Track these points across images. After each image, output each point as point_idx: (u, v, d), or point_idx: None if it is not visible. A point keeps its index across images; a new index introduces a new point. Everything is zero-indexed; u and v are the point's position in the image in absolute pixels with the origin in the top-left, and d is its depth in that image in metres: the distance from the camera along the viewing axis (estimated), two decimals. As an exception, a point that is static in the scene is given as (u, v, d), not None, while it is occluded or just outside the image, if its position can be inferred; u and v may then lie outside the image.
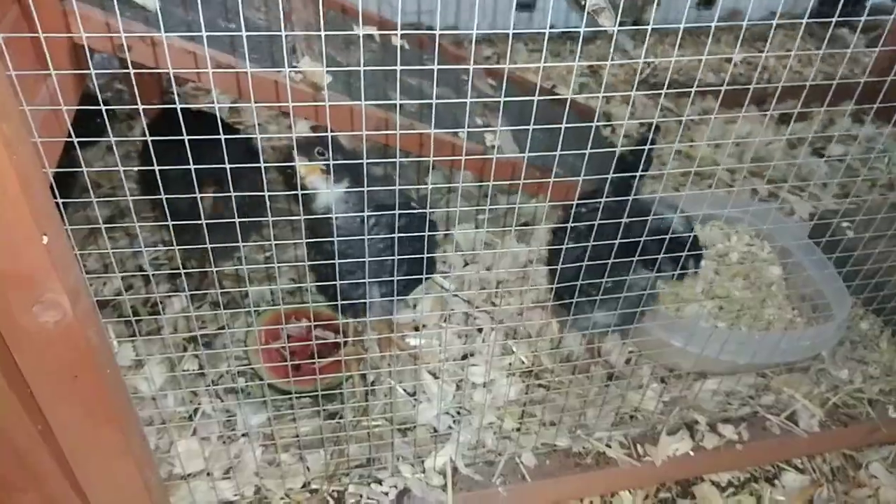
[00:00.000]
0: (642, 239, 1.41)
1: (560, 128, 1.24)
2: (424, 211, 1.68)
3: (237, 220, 1.10)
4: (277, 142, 2.55)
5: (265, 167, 1.17)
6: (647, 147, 1.63)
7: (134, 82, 0.91)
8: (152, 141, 1.00)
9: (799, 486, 1.75)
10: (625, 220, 1.31)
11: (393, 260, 1.41)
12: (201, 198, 1.42)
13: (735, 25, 3.56)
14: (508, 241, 2.25)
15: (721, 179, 2.68)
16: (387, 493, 1.55)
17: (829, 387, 1.88)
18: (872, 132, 3.02)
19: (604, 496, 1.68)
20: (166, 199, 1.05)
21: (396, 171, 1.83)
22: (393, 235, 1.37)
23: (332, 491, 1.55)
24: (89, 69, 1.19)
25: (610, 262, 1.37)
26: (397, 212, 1.28)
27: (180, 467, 1.53)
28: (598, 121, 2.86)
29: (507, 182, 2.19)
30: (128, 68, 1.51)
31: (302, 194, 1.50)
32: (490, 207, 2.35)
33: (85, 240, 2.05)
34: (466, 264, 2.18)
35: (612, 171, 1.61)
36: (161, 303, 1.94)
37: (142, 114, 0.98)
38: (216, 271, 1.25)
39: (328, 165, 1.46)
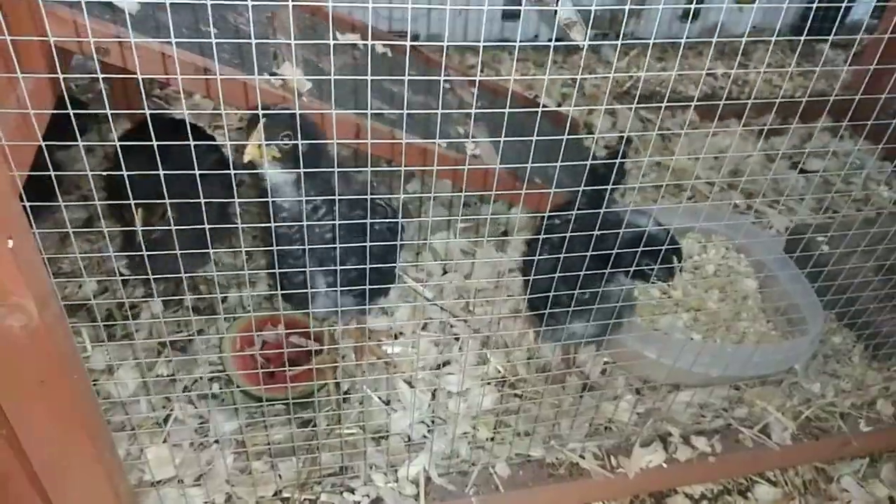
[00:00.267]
0: (615, 251, 1.41)
1: (539, 138, 1.24)
2: (378, 198, 1.63)
3: (207, 226, 1.09)
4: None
5: (235, 174, 1.16)
6: (618, 161, 1.64)
7: (102, 88, 0.90)
8: (123, 152, 1.00)
9: (771, 498, 1.76)
10: (596, 232, 1.32)
11: (342, 251, 1.39)
12: (167, 208, 1.39)
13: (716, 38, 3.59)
14: (486, 250, 2.26)
15: (699, 191, 2.70)
16: (359, 502, 1.55)
17: (801, 400, 1.90)
18: (850, 147, 3.06)
19: (577, 507, 1.69)
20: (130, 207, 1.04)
21: (368, 175, 1.82)
22: (343, 223, 1.34)
23: (304, 499, 1.54)
24: (66, 70, 1.18)
25: (582, 273, 1.38)
26: (338, 198, 1.24)
27: (150, 474, 1.52)
28: (579, 131, 2.87)
29: (483, 192, 2.19)
30: (105, 69, 1.50)
31: (256, 174, 1.42)
32: (467, 218, 2.35)
33: (63, 242, 2.03)
34: (445, 272, 2.18)
35: (584, 183, 1.62)
36: (136, 307, 1.92)
37: (110, 119, 0.97)
38: (187, 277, 1.24)
39: (294, 150, 1.35)
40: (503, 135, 1.09)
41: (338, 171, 1.32)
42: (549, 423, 1.73)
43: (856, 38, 3.47)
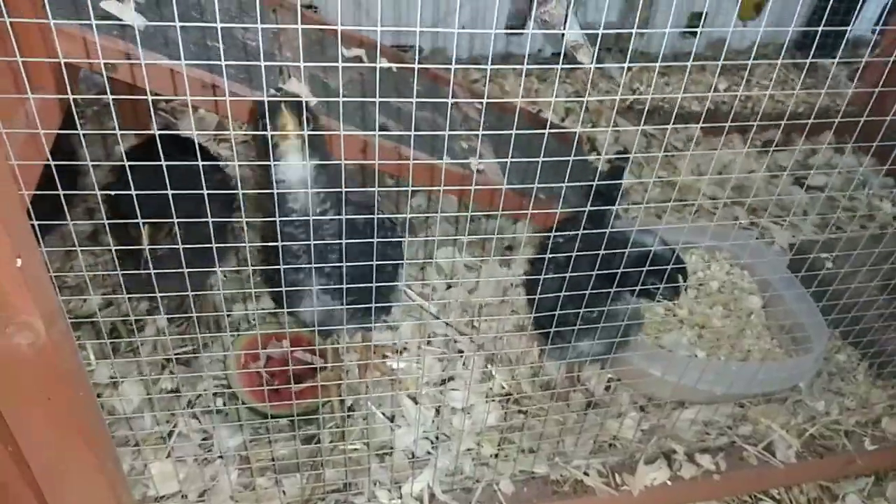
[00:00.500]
0: (620, 270, 1.41)
1: (541, 154, 1.24)
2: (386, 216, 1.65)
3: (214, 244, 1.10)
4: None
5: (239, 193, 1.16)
6: (619, 181, 1.64)
7: (111, 104, 0.91)
8: (127, 169, 1.01)
9: (775, 516, 1.75)
10: (601, 252, 1.32)
11: (339, 256, 1.39)
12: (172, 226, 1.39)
13: (719, 54, 3.60)
14: (490, 266, 2.26)
15: (703, 207, 2.71)
16: (363, 519, 1.55)
17: (806, 418, 1.89)
18: (853, 163, 3.06)
19: (581, 525, 1.68)
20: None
21: (376, 195, 1.83)
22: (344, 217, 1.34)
23: (308, 516, 1.54)
24: (74, 85, 1.19)
25: (587, 292, 1.38)
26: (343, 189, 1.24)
27: (154, 489, 1.52)
28: (582, 147, 2.88)
29: (489, 209, 2.19)
30: (112, 82, 1.50)
31: (266, 157, 1.39)
32: (471, 236, 2.35)
33: (68, 255, 2.03)
34: (449, 287, 2.18)
35: (587, 202, 1.62)
36: (141, 321, 1.92)
37: (119, 139, 0.98)
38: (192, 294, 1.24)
39: (308, 137, 1.36)
40: (506, 149, 1.09)
41: (346, 179, 1.33)
42: (554, 439, 1.73)
43: (860, 59, 3.49)
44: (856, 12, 3.49)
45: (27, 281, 0.91)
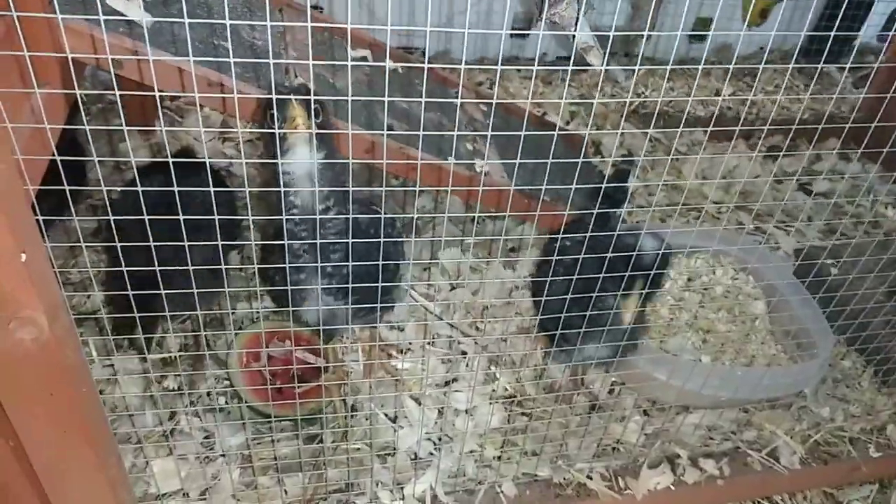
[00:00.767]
0: (626, 274, 1.41)
1: (549, 157, 1.24)
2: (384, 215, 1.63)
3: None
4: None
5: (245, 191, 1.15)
6: (623, 184, 1.64)
7: (118, 102, 0.91)
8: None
9: (779, 523, 1.74)
10: (609, 255, 1.32)
11: (340, 257, 1.38)
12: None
13: (725, 59, 3.60)
14: (495, 267, 2.25)
15: (707, 212, 2.70)
16: (364, 520, 1.54)
17: (810, 424, 1.88)
18: (858, 170, 3.05)
19: (583, 529, 1.67)
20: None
21: (384, 195, 1.82)
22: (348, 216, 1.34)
23: (309, 516, 1.53)
24: (79, 84, 1.18)
25: (594, 294, 1.37)
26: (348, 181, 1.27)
27: (155, 487, 1.51)
28: (586, 150, 2.88)
29: (495, 211, 2.19)
30: (118, 79, 1.50)
31: (273, 150, 1.40)
32: (477, 237, 2.34)
33: (71, 251, 2.03)
34: (452, 288, 2.17)
35: (590, 201, 1.62)
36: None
37: (126, 134, 0.97)
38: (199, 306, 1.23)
39: (316, 126, 1.37)
40: (511, 151, 1.09)
41: (352, 176, 1.33)
42: (557, 442, 1.72)
43: (857, 65, 3.49)
44: (864, 20, 3.50)
45: (31, 276, 0.90)
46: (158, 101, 1.03)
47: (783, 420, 1.87)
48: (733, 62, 1.18)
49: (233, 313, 1.94)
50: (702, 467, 1.72)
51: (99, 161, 2.31)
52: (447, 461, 1.66)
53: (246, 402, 1.68)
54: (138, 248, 1.08)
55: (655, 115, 3.20)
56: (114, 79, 0.98)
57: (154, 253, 1.04)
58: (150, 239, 1.05)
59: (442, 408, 1.80)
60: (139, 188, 0.99)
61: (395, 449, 1.68)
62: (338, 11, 3.24)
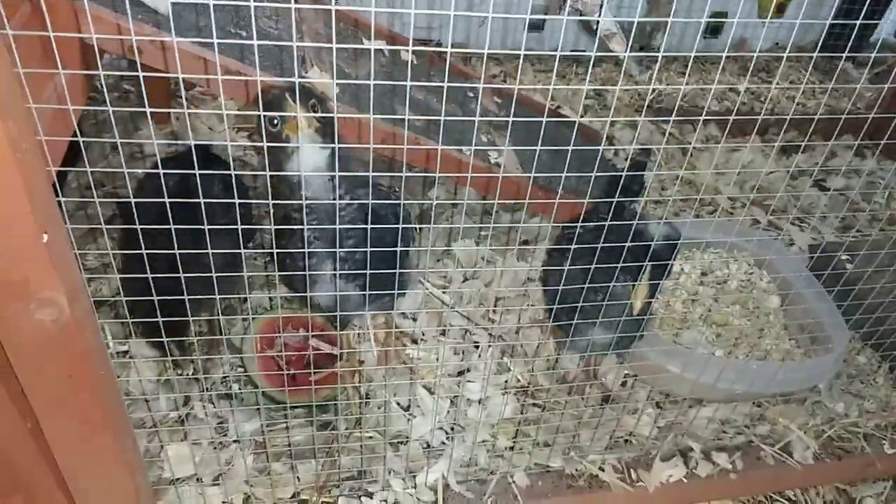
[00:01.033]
0: (633, 263, 1.40)
1: (565, 149, 1.23)
2: (399, 202, 1.62)
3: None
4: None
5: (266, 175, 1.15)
6: (640, 173, 1.63)
7: (144, 89, 0.91)
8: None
9: (791, 518, 1.74)
10: (629, 244, 1.31)
11: (353, 243, 1.38)
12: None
13: (741, 54, 3.58)
14: (509, 259, 2.25)
15: (721, 206, 2.69)
16: (377, 507, 1.54)
17: (824, 419, 1.87)
18: (874, 166, 3.04)
19: (595, 520, 1.67)
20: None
21: (402, 184, 1.82)
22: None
23: (322, 502, 1.53)
24: (98, 69, 1.19)
25: (610, 285, 1.37)
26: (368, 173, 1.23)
27: (170, 471, 1.52)
28: (601, 142, 2.87)
29: (514, 200, 2.19)
30: (135, 69, 1.50)
31: (278, 150, 1.39)
32: (493, 227, 2.34)
33: (84, 238, 2.04)
34: (466, 279, 2.17)
35: (605, 192, 1.62)
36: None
37: (149, 116, 0.97)
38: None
39: (321, 123, 1.35)
40: (525, 143, 1.09)
41: (362, 165, 1.32)
42: (570, 434, 1.72)
43: (882, 57, 3.46)
44: (882, 15, 3.48)
45: (52, 257, 0.91)
46: (182, 85, 1.03)
47: (797, 415, 1.86)
48: (756, 55, 1.18)
49: (247, 300, 1.94)
50: (714, 461, 1.72)
51: (114, 148, 2.32)
52: (460, 450, 1.66)
53: (260, 389, 1.68)
54: (156, 240, 1.08)
55: (675, 109, 3.18)
56: (140, 65, 0.98)
57: (173, 244, 1.05)
58: (168, 235, 1.05)
59: (455, 397, 1.80)
60: (159, 175, 1.00)
61: (407, 437, 1.69)
62: (351, 3, 3.24)
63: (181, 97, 2.70)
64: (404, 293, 1.89)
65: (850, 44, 3.42)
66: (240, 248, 1.43)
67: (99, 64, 0.95)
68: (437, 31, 3.49)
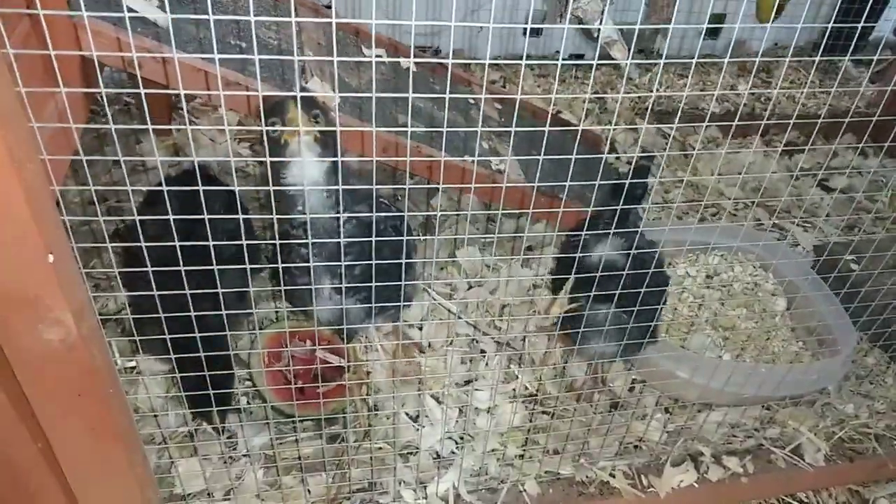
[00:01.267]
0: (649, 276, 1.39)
1: (567, 156, 1.23)
2: (402, 214, 1.62)
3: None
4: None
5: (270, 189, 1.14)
6: (643, 180, 1.62)
7: (146, 104, 0.90)
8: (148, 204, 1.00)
9: (804, 521, 1.73)
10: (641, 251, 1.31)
11: (352, 258, 1.36)
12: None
13: (740, 55, 3.58)
14: (512, 266, 2.25)
15: (723, 209, 2.69)
16: (388, 519, 1.54)
17: (834, 421, 1.86)
18: (876, 165, 3.03)
19: (607, 527, 1.66)
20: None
21: (407, 191, 1.81)
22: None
23: (333, 515, 1.53)
24: (98, 83, 1.18)
25: (617, 292, 1.36)
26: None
27: (181, 487, 1.51)
28: (602, 147, 2.87)
29: (518, 208, 2.18)
30: (134, 82, 1.49)
31: (278, 161, 1.37)
32: (498, 236, 2.34)
33: (89, 253, 2.03)
34: (470, 287, 2.17)
35: (609, 199, 1.61)
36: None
37: (151, 133, 0.97)
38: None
39: (322, 134, 1.34)
40: (525, 149, 1.08)
41: (362, 179, 1.31)
42: (579, 441, 1.71)
43: (882, 58, 3.46)
44: (881, 14, 3.48)
45: (59, 277, 0.90)
46: (183, 99, 1.03)
47: (807, 417, 1.85)
48: (758, 59, 1.17)
49: (252, 315, 1.93)
50: (725, 465, 1.71)
51: (116, 162, 2.32)
52: (469, 460, 1.65)
53: (269, 403, 1.68)
54: (160, 261, 1.08)
55: (676, 112, 3.18)
56: (139, 79, 0.98)
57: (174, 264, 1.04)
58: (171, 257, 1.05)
59: (463, 407, 1.79)
60: (160, 199, 0.99)
61: (417, 448, 1.68)
62: (346, 11, 3.24)
63: (182, 109, 2.70)
64: (409, 304, 1.88)
65: (854, 43, 3.42)
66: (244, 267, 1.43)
67: (100, 80, 0.94)
68: (435, 37, 3.49)
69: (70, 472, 1.14)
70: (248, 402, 1.74)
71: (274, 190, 1.22)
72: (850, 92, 3.60)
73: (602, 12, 1.31)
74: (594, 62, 0.94)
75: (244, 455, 1.61)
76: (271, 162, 1.36)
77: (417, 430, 1.72)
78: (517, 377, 1.89)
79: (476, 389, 1.83)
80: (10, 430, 1.04)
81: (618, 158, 2.90)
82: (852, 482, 1.81)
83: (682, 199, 2.65)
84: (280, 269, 1.29)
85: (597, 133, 2.87)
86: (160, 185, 1.83)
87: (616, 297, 1.37)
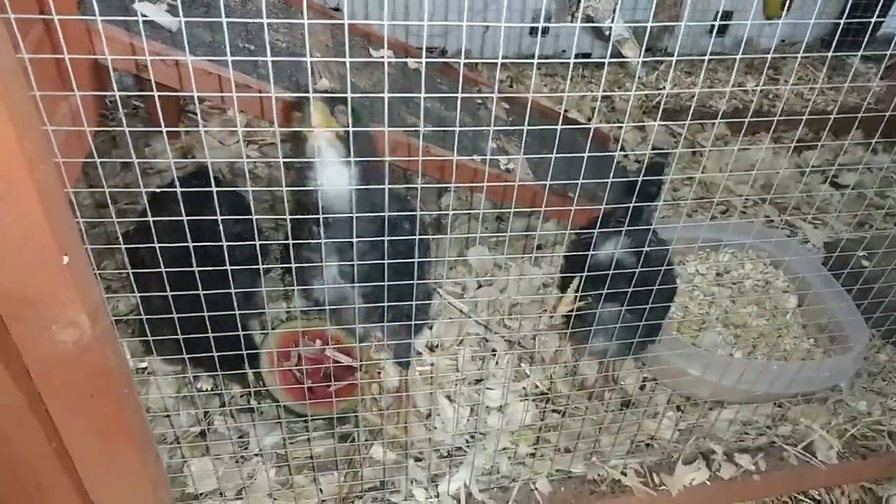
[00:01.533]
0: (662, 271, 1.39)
1: (576, 155, 1.23)
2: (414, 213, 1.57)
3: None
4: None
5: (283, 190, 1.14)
6: (659, 177, 1.62)
7: (159, 107, 0.91)
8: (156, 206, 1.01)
9: (817, 518, 1.73)
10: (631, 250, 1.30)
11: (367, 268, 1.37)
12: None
13: (747, 53, 3.57)
14: (522, 265, 2.25)
15: (734, 206, 2.68)
16: (400, 518, 1.54)
17: (847, 418, 1.85)
18: (886, 161, 3.02)
19: (619, 525, 1.66)
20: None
21: (419, 192, 1.82)
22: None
23: (345, 514, 1.53)
24: (112, 87, 1.19)
25: (628, 290, 1.36)
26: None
27: (193, 487, 1.52)
28: (610, 145, 2.86)
29: (529, 207, 2.18)
30: (143, 86, 1.49)
31: (298, 154, 1.34)
32: (508, 234, 2.34)
33: (101, 255, 2.04)
34: (480, 286, 2.17)
35: (622, 197, 1.61)
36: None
37: (164, 135, 0.97)
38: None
39: (346, 133, 1.28)
40: (534, 148, 1.08)
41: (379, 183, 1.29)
42: (590, 439, 1.71)
43: (887, 53, 3.44)
44: (889, 9, 3.46)
45: (74, 278, 0.91)
46: (196, 101, 1.03)
47: (819, 414, 1.85)
48: (770, 56, 1.17)
49: (262, 314, 1.94)
50: (737, 462, 1.71)
51: (124, 165, 2.33)
52: (481, 458, 1.65)
53: (279, 402, 1.68)
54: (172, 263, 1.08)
55: (683, 109, 3.18)
56: (153, 83, 0.99)
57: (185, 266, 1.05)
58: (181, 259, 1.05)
59: (474, 406, 1.79)
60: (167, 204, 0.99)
61: (429, 446, 1.68)
62: (354, 14, 3.24)
63: (190, 112, 2.71)
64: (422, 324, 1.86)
65: (853, 38, 3.41)
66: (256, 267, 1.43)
67: (114, 84, 0.95)
68: (441, 38, 3.49)
69: (83, 471, 1.15)
70: (259, 402, 1.74)
71: (297, 182, 1.22)
72: (859, 88, 3.59)
73: (614, 10, 1.31)
74: (606, 60, 0.94)
75: (256, 454, 1.62)
76: (296, 157, 1.35)
77: (429, 429, 1.73)
78: (528, 375, 1.89)
79: (488, 388, 1.83)
80: (24, 430, 1.05)
81: (626, 156, 2.90)
82: (865, 480, 1.80)
83: (689, 198, 2.64)
84: (289, 249, 1.27)
85: (605, 132, 2.87)
86: (162, 188, 1.85)
87: (621, 295, 1.37)
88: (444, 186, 2.41)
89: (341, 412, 1.69)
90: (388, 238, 1.17)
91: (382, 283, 1.20)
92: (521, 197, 2.08)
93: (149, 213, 1.04)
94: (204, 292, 1.08)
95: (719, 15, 3.57)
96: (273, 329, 1.82)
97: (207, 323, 1.15)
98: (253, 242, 1.09)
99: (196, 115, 2.76)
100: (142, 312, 1.17)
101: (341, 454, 1.64)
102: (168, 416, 1.67)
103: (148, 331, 1.24)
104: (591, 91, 3.43)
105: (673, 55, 3.59)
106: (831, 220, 2.64)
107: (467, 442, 1.72)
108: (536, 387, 1.87)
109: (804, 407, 1.87)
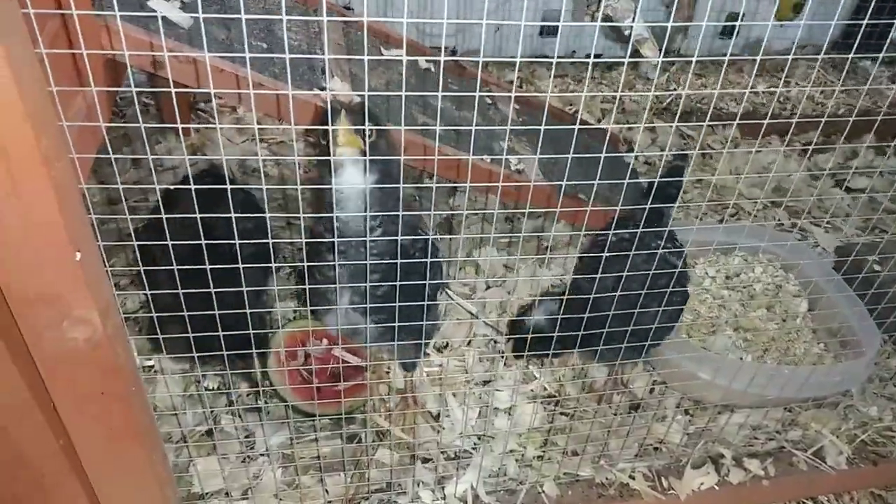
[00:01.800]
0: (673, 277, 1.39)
1: (588, 156, 1.22)
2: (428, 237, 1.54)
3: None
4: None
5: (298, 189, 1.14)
6: (679, 179, 1.61)
7: (176, 104, 0.90)
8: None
9: (826, 524, 1.71)
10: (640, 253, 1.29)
11: (378, 278, 1.35)
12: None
13: (770, 57, 3.55)
14: (531, 266, 2.24)
15: (744, 210, 2.67)
16: (406, 519, 1.53)
17: (857, 423, 1.84)
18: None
19: (627, 529, 1.65)
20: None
21: (433, 195, 1.81)
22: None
23: (352, 515, 1.53)
24: (128, 83, 1.19)
25: (642, 292, 1.35)
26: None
27: (199, 486, 1.52)
28: (622, 147, 2.85)
29: (543, 208, 2.17)
30: (154, 82, 1.49)
31: (322, 163, 1.31)
32: (518, 235, 2.33)
33: (111, 252, 2.04)
34: (488, 287, 2.16)
35: (638, 200, 1.60)
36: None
37: (180, 132, 0.97)
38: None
39: (368, 147, 1.26)
40: (545, 149, 1.07)
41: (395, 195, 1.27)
42: (598, 442, 1.70)
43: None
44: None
45: (85, 275, 0.90)
46: (213, 98, 1.03)
47: (829, 419, 1.84)
48: (791, 57, 1.16)
49: (270, 313, 1.94)
50: (746, 467, 1.70)
51: (134, 162, 2.33)
52: (488, 461, 1.65)
53: (288, 402, 1.68)
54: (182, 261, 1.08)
55: (708, 112, 3.16)
56: (171, 80, 0.98)
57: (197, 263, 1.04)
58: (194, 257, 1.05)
59: (482, 408, 1.79)
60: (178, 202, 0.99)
61: (436, 448, 1.67)
62: (368, 13, 3.24)
63: (200, 110, 2.71)
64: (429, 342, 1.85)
65: (864, 41, 3.38)
66: (267, 266, 1.42)
67: (132, 80, 0.95)
68: (452, 37, 3.48)
69: (91, 469, 1.14)
70: (265, 402, 1.74)
71: (317, 192, 1.21)
72: (871, 91, 3.57)
73: (634, 10, 1.31)
74: (625, 59, 0.93)
75: (262, 454, 1.61)
76: (322, 162, 1.33)
77: (437, 430, 1.72)
78: (536, 378, 1.88)
79: (496, 390, 1.83)
80: (32, 428, 1.04)
81: (636, 158, 2.89)
82: (875, 486, 1.79)
83: (700, 200, 2.63)
84: (305, 269, 1.26)
85: (615, 133, 2.86)
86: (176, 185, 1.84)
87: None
88: (454, 186, 2.40)
89: (348, 410, 1.69)
90: (401, 282, 1.17)
91: (394, 305, 1.20)
92: (533, 198, 2.07)
93: (162, 210, 1.04)
94: (215, 290, 1.08)
95: (741, 17, 3.55)
96: (278, 330, 1.82)
97: (217, 320, 1.15)
98: (264, 241, 1.08)
99: (206, 113, 2.76)
100: (152, 310, 1.17)
101: (348, 455, 1.63)
102: (175, 414, 1.67)
103: (158, 328, 1.23)
104: (602, 92, 3.41)
105: (685, 57, 3.58)
106: (842, 225, 2.62)
107: (475, 444, 1.71)
108: (545, 389, 1.86)
109: (814, 412, 1.86)
